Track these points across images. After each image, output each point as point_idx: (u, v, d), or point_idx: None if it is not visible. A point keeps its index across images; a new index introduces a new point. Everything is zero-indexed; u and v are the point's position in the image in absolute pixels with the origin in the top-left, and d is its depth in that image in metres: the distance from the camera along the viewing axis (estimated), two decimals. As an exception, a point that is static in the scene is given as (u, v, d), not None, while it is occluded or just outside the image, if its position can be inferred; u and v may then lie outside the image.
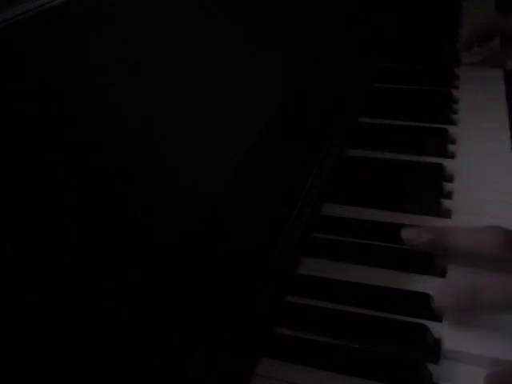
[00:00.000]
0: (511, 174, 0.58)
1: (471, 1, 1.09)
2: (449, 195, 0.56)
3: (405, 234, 0.48)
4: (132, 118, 0.38)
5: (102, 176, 0.34)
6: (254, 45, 0.54)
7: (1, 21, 0.32)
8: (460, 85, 0.78)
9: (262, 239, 0.47)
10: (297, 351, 0.42)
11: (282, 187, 0.52)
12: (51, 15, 0.35)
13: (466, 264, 0.47)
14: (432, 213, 0.54)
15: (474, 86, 0.77)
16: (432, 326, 0.42)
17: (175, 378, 0.34)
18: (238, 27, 0.53)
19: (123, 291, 0.32)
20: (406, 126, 0.69)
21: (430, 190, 0.57)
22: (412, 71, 0.83)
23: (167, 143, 0.39)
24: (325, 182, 0.57)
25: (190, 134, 0.42)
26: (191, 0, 0.48)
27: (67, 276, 0.30)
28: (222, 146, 0.44)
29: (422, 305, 0.44)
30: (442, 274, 0.47)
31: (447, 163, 0.60)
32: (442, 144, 0.64)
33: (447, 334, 0.42)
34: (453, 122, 0.69)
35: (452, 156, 0.62)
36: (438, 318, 0.43)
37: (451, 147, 0.64)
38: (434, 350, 0.41)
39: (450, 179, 0.59)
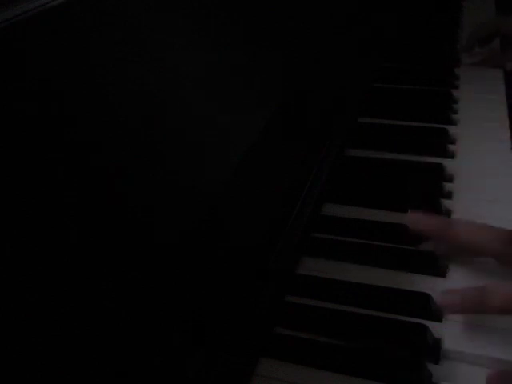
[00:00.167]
0: (511, 173, 0.58)
1: (471, 1, 1.09)
2: (449, 195, 0.56)
3: (409, 216, 0.48)
4: (132, 118, 0.38)
5: (102, 176, 0.34)
6: (254, 45, 0.54)
7: (1, 21, 0.32)
8: (460, 85, 0.78)
9: (262, 239, 0.46)
10: (297, 351, 0.42)
11: (282, 187, 0.52)
12: (51, 15, 0.35)
13: (465, 260, 0.47)
14: (432, 213, 0.54)
15: (474, 85, 0.77)
16: (432, 326, 0.42)
17: (175, 378, 0.34)
18: (238, 27, 0.53)
19: (123, 291, 0.32)
20: (406, 125, 0.69)
21: (430, 190, 0.57)
22: (412, 71, 0.83)
23: (167, 143, 0.39)
24: (325, 181, 0.57)
25: (189, 134, 0.42)
26: (191, 0, 0.48)
27: (67, 276, 0.30)
28: (222, 146, 0.44)
29: (422, 305, 0.44)
30: (442, 274, 0.47)
31: (447, 163, 0.60)
32: (442, 144, 0.64)
33: (447, 334, 0.42)
34: (453, 122, 0.69)
35: (452, 156, 0.62)
36: (438, 318, 0.43)
37: (451, 147, 0.64)
38: (433, 350, 0.41)
39: (450, 179, 0.59)
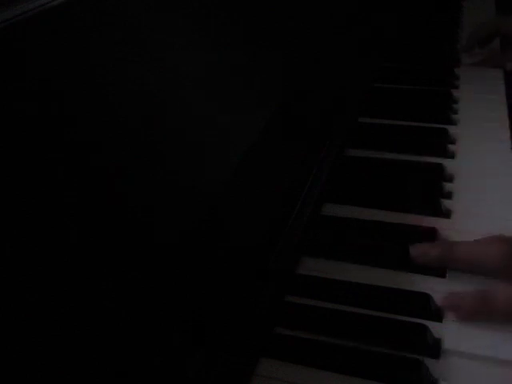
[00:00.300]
0: (511, 173, 0.58)
1: (471, 1, 1.09)
2: (449, 195, 0.56)
3: (413, 251, 0.48)
4: (132, 118, 0.38)
5: (102, 176, 0.34)
6: (254, 45, 0.54)
7: (1, 21, 0.32)
8: (460, 85, 0.78)
9: (262, 239, 0.46)
10: (297, 351, 0.42)
11: (282, 187, 0.52)
12: (51, 15, 0.35)
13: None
14: (432, 213, 0.54)
15: (474, 85, 0.77)
16: (432, 326, 0.42)
17: (175, 378, 0.34)
18: (237, 27, 0.53)
19: (123, 291, 0.32)
20: (406, 125, 0.69)
21: (430, 190, 0.57)
22: (412, 71, 0.83)
23: (167, 143, 0.39)
24: (325, 181, 0.57)
25: (190, 134, 0.42)
26: (191, 0, 0.48)
27: (67, 276, 0.30)
28: (222, 146, 0.44)
29: (422, 305, 0.44)
30: (442, 274, 0.47)
31: (447, 163, 0.60)
32: (442, 144, 0.64)
33: (447, 334, 0.42)
34: (453, 122, 0.69)
35: (452, 156, 0.62)
36: (438, 318, 0.43)
37: (451, 147, 0.64)
38: (433, 349, 0.41)
39: (450, 179, 0.59)
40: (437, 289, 0.45)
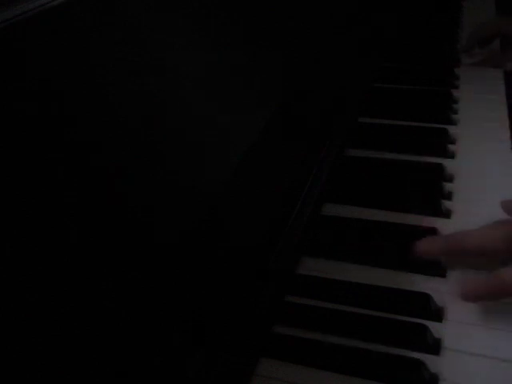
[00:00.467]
0: (511, 173, 0.58)
1: (471, 1, 1.09)
2: (449, 195, 0.56)
3: (418, 246, 0.48)
4: (132, 118, 0.38)
5: (102, 176, 0.34)
6: (254, 45, 0.54)
7: (1, 21, 0.32)
8: (460, 85, 0.78)
9: (262, 239, 0.46)
10: (297, 351, 0.42)
11: (282, 187, 0.52)
12: (51, 15, 0.35)
13: (475, 266, 0.47)
14: (432, 213, 0.54)
15: (474, 85, 0.77)
16: (432, 326, 0.42)
17: (175, 378, 0.34)
18: (237, 27, 0.53)
19: (123, 291, 0.32)
20: (406, 125, 0.69)
21: (430, 190, 0.57)
22: (412, 71, 0.83)
23: (167, 143, 0.39)
24: (325, 181, 0.57)
25: (190, 134, 0.42)
26: (191, 0, 0.48)
27: (67, 276, 0.30)
28: (222, 146, 0.44)
29: (422, 305, 0.44)
30: (442, 274, 0.47)
31: (447, 163, 0.60)
32: (442, 144, 0.64)
33: (447, 334, 0.42)
34: (453, 122, 0.69)
35: (452, 156, 0.62)
36: (438, 318, 0.43)
37: (451, 147, 0.64)
38: (434, 349, 0.41)
39: (450, 179, 0.59)
40: (437, 289, 0.45)
